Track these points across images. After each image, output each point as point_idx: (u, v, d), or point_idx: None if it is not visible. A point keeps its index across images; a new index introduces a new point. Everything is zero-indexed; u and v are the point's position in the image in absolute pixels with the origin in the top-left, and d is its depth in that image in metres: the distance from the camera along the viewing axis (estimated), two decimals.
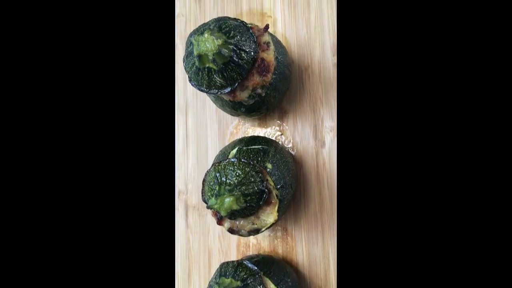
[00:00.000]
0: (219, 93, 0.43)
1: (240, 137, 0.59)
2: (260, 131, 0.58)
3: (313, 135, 0.55)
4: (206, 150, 0.61)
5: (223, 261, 0.58)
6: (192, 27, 0.65)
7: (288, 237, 0.55)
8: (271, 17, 0.59)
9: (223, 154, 0.47)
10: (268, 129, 0.58)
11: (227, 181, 0.41)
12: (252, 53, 0.41)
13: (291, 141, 0.57)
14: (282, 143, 0.57)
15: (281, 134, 0.57)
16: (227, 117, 0.60)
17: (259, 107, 0.49)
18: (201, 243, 0.59)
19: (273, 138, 0.57)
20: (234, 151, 0.46)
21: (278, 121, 0.58)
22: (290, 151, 0.56)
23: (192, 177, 0.61)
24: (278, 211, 0.43)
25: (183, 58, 0.44)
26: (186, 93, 0.63)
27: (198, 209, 0.60)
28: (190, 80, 0.44)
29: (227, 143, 0.60)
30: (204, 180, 0.44)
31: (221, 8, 0.64)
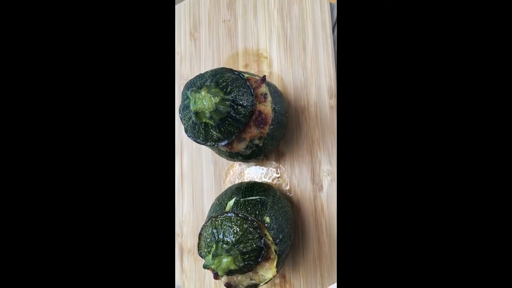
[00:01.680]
0: (216, 145, 0.42)
1: (237, 180, 0.58)
2: (257, 172, 0.58)
3: (310, 179, 0.54)
4: (201, 192, 0.60)
5: None
6: (187, 66, 0.65)
7: (287, 285, 0.53)
8: (267, 58, 0.59)
9: (220, 205, 0.46)
10: (265, 170, 0.57)
11: (225, 239, 0.40)
12: (249, 106, 0.41)
13: (289, 184, 0.56)
14: (279, 186, 0.56)
15: (279, 177, 0.56)
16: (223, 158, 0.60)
17: (257, 155, 0.48)
18: None
19: (270, 181, 0.56)
20: (231, 202, 0.45)
21: (275, 163, 0.57)
22: (288, 193, 0.55)
23: (188, 220, 0.60)
24: (277, 266, 0.42)
25: (179, 109, 0.44)
26: (181, 132, 0.63)
27: (194, 253, 0.58)
28: (186, 132, 0.43)
29: (223, 185, 0.59)
30: (200, 234, 0.42)
31: (217, 46, 0.63)
